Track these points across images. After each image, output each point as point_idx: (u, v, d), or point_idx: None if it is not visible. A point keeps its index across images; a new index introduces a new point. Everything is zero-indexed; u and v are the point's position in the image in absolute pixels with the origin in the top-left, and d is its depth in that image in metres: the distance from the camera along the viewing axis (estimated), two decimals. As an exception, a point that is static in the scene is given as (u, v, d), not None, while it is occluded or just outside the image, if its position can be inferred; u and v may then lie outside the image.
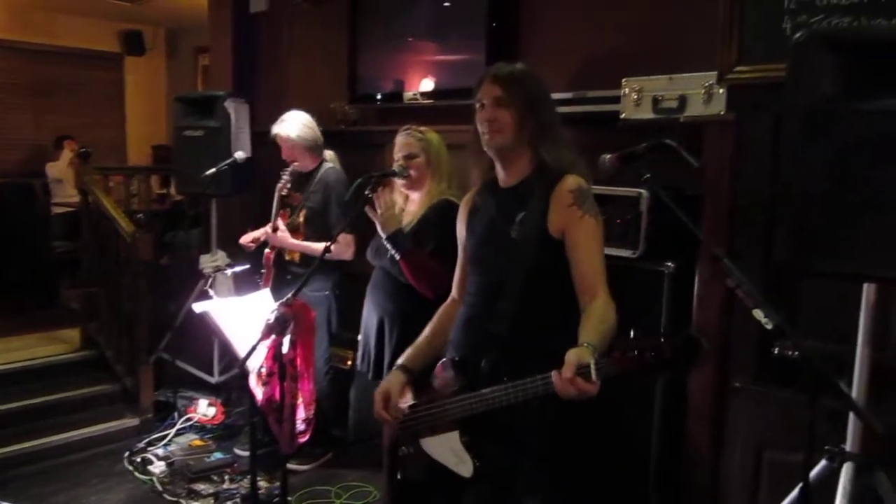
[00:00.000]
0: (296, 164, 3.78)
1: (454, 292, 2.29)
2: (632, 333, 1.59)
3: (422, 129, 2.98)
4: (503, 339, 1.94)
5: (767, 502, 2.29)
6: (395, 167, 2.90)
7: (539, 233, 1.95)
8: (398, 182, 2.89)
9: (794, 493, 1.98)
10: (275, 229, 3.68)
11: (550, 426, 1.95)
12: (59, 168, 6.89)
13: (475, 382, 1.91)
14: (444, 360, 2.08)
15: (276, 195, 3.77)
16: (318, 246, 3.64)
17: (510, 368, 1.84)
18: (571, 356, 1.65)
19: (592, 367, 1.60)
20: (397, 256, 2.72)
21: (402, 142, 2.96)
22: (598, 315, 1.83)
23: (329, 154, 3.91)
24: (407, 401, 2.10)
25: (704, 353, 1.53)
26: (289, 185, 3.74)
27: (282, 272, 3.81)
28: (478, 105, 2.04)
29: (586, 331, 1.78)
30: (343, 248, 3.62)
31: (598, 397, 1.63)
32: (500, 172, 2.09)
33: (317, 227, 3.71)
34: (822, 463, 1.96)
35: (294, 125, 3.76)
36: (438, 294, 2.48)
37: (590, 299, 1.89)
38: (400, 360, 2.19)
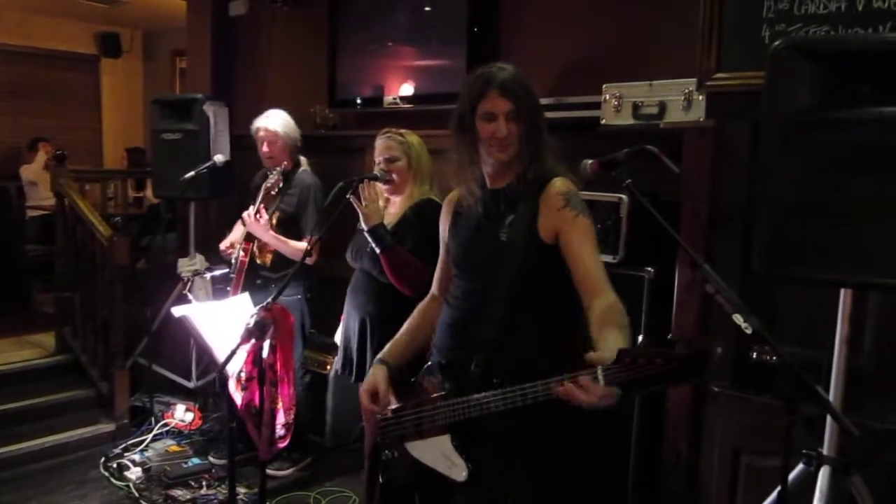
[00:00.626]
0: (273, 160, 3.75)
1: (434, 289, 2.28)
2: (640, 340, 1.57)
3: (402, 131, 2.98)
4: (493, 342, 1.92)
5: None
6: (376, 171, 2.90)
7: (529, 236, 1.93)
8: (380, 186, 2.89)
9: (773, 496, 2.00)
10: (257, 212, 3.61)
11: (539, 431, 1.92)
12: (34, 170, 6.80)
13: (464, 386, 1.89)
14: (429, 363, 2.07)
15: (263, 189, 3.65)
16: (293, 242, 3.64)
17: (500, 372, 1.82)
18: (591, 357, 1.59)
19: (600, 372, 1.54)
20: (378, 250, 2.72)
21: (383, 145, 2.96)
22: (616, 322, 1.75)
23: (303, 160, 3.90)
24: (391, 403, 2.08)
25: (714, 362, 1.50)
26: (280, 184, 3.66)
27: (251, 276, 3.78)
28: (482, 116, 1.95)
29: (607, 340, 1.68)
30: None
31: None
32: (487, 176, 2.07)
33: (288, 229, 3.68)
34: (800, 467, 1.98)
35: (279, 120, 3.77)
36: (418, 292, 2.47)
37: (595, 299, 1.82)
38: (380, 356, 2.18)
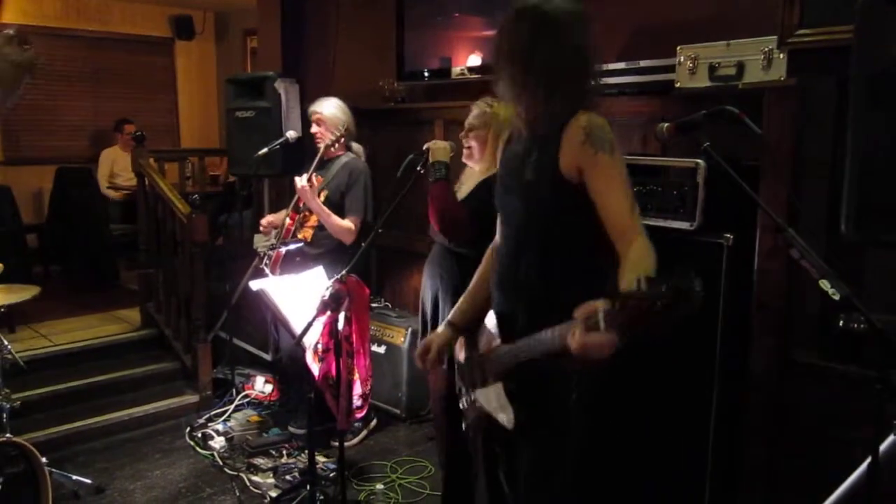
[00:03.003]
0: (321, 140, 3.82)
1: (497, 238, 2.17)
2: (639, 282, 1.40)
3: (493, 102, 2.90)
4: (531, 288, 1.89)
5: (832, 480, 2.23)
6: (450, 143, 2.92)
7: (551, 174, 1.82)
8: (450, 151, 2.89)
9: (862, 468, 1.93)
10: (310, 181, 3.69)
11: (583, 385, 1.86)
12: (116, 153, 7.04)
13: (514, 335, 1.87)
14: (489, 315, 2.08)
15: (318, 156, 3.78)
16: (336, 218, 3.70)
17: (544, 319, 1.73)
18: (581, 308, 1.51)
19: (600, 316, 1.44)
20: (431, 180, 2.76)
21: (471, 113, 2.93)
22: (630, 264, 1.66)
23: (356, 146, 3.93)
24: (461, 354, 2.13)
25: (699, 297, 1.32)
26: (335, 147, 3.77)
27: (291, 252, 3.86)
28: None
29: (622, 275, 1.64)
30: (351, 232, 3.68)
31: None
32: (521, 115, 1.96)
33: (334, 209, 3.73)
34: (891, 438, 1.91)
35: (328, 104, 3.84)
36: (449, 237, 2.64)
37: (625, 245, 1.71)
38: (449, 317, 2.19)
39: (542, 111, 1.88)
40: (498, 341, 1.96)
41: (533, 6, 1.87)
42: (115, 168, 6.96)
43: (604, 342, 1.47)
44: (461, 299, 2.21)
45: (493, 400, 1.96)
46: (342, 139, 3.78)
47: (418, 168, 2.69)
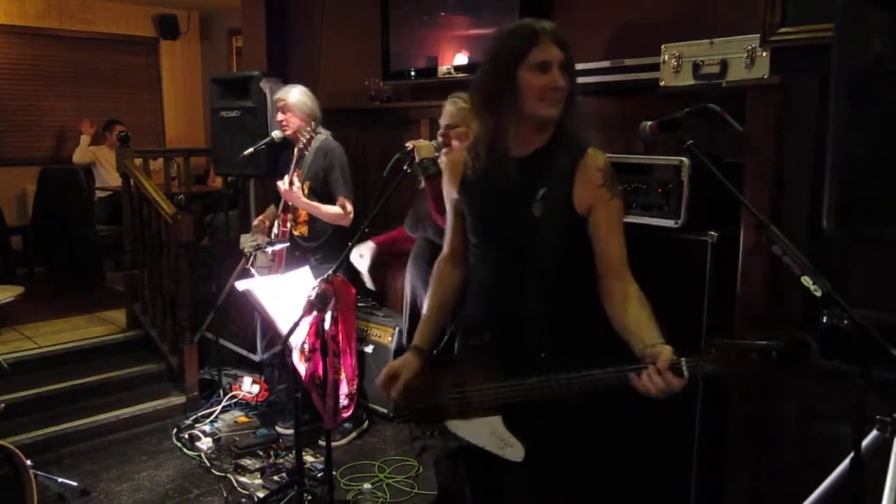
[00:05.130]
0: (287, 127, 3.89)
1: (448, 251, 2.13)
2: (728, 336, 1.56)
3: (466, 98, 2.92)
4: (543, 320, 1.87)
5: (816, 474, 2.25)
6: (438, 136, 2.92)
7: (565, 211, 1.83)
8: (434, 148, 2.88)
9: (845, 463, 1.94)
10: (291, 183, 3.72)
11: (584, 407, 1.90)
12: (103, 152, 7.00)
13: (512, 366, 1.83)
14: (466, 341, 2.03)
15: (296, 152, 3.87)
16: (328, 208, 3.72)
17: (547, 348, 1.81)
18: (664, 352, 1.62)
19: (684, 364, 1.58)
20: (423, 180, 2.75)
21: (446, 111, 2.94)
22: (646, 310, 1.77)
23: (324, 131, 3.97)
24: (404, 392, 2.02)
25: (815, 355, 1.47)
26: (307, 150, 3.82)
27: (290, 248, 3.87)
28: (534, 66, 1.79)
29: (647, 329, 1.71)
30: (344, 214, 3.71)
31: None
32: (512, 139, 1.89)
33: (319, 194, 3.78)
34: (874, 433, 1.92)
35: (293, 91, 3.89)
36: None
37: (618, 283, 1.82)
38: (415, 341, 2.08)
39: (555, 141, 1.87)
40: (490, 371, 1.89)
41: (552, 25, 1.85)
42: (99, 163, 6.92)
43: (678, 386, 1.61)
44: (423, 322, 2.12)
45: (485, 434, 1.90)
46: (312, 131, 3.84)
47: (405, 167, 2.69)
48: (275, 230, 3.94)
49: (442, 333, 2.11)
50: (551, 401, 1.78)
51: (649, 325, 1.73)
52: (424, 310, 2.16)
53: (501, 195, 1.90)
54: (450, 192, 2.07)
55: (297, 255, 3.82)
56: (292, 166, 3.79)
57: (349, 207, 3.73)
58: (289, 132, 3.90)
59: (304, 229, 3.84)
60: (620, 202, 1.87)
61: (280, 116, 3.90)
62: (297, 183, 3.73)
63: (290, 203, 3.80)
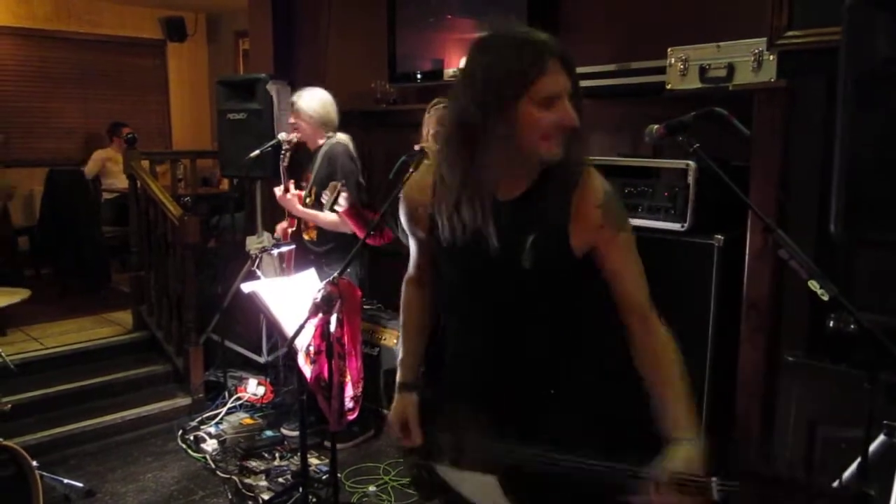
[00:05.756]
0: (299, 136, 3.86)
1: (415, 275, 1.90)
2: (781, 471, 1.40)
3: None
4: (546, 361, 1.68)
5: (824, 479, 2.24)
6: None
7: (561, 257, 1.58)
8: None
9: (852, 468, 1.93)
10: (286, 189, 3.73)
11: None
12: (109, 154, 7.02)
13: (518, 411, 1.66)
14: (452, 387, 1.84)
15: (281, 166, 3.89)
16: (324, 215, 3.64)
17: (559, 390, 1.67)
18: (678, 463, 1.42)
19: (714, 487, 1.37)
20: None
21: (438, 116, 2.94)
22: (676, 373, 1.55)
23: (342, 136, 3.89)
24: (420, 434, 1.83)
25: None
26: (288, 156, 3.84)
27: (301, 252, 3.87)
28: (540, 100, 1.46)
29: (674, 407, 1.52)
30: (342, 222, 3.61)
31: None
32: (498, 182, 1.58)
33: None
34: (881, 438, 1.91)
35: (307, 99, 3.80)
36: None
37: (642, 324, 1.59)
38: (402, 380, 1.88)
39: (547, 180, 1.57)
40: (480, 426, 1.69)
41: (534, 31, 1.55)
42: (107, 169, 6.94)
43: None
44: (404, 356, 1.92)
45: (477, 490, 1.72)
46: (325, 136, 3.80)
47: (411, 169, 2.68)
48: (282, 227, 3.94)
49: (421, 357, 1.94)
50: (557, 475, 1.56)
51: (675, 405, 1.54)
52: (404, 339, 1.96)
53: (483, 248, 1.57)
54: (413, 231, 1.79)
55: (310, 258, 3.81)
56: (283, 174, 3.79)
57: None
58: (301, 138, 3.86)
59: (313, 234, 3.83)
60: (629, 234, 1.61)
61: (291, 120, 3.86)
62: (292, 189, 3.72)
63: (286, 210, 3.80)
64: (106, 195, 6.88)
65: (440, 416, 1.78)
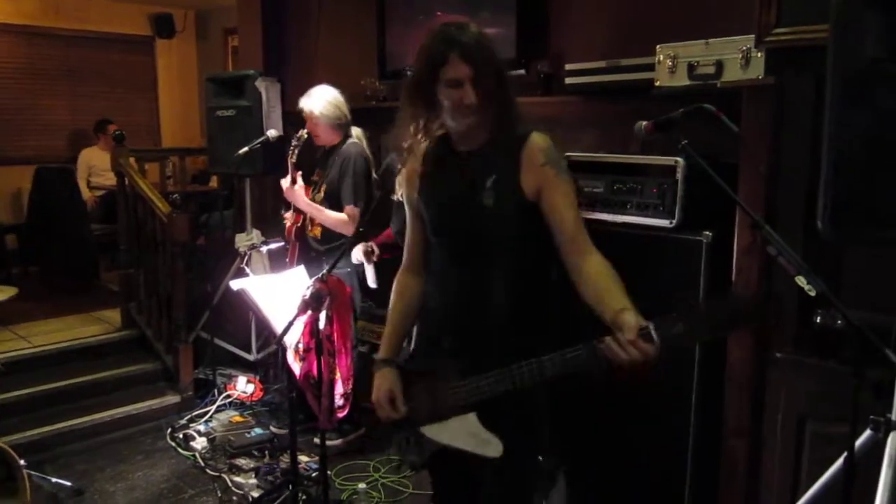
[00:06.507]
0: (317, 139, 3.80)
1: (409, 262, 2.14)
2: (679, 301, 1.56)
3: None
4: (508, 308, 1.88)
5: (810, 473, 2.26)
6: None
7: (515, 197, 1.85)
8: None
9: (838, 463, 1.95)
10: (293, 182, 3.70)
11: (556, 398, 1.92)
12: (96, 153, 6.98)
13: (481, 362, 1.83)
14: (430, 345, 2.02)
15: (289, 158, 3.80)
16: (329, 212, 3.66)
17: (514, 341, 1.81)
18: (629, 319, 1.60)
19: (652, 328, 1.56)
20: None
21: None
22: (611, 276, 1.76)
23: (356, 131, 3.87)
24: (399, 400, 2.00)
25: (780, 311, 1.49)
26: (296, 152, 3.75)
27: (305, 249, 3.85)
28: (446, 83, 1.83)
29: (613, 294, 1.70)
30: (348, 222, 3.63)
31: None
32: (454, 136, 1.94)
33: (335, 203, 3.72)
34: (867, 433, 1.92)
35: (318, 101, 3.73)
36: None
37: (580, 256, 1.81)
38: (381, 356, 2.08)
39: (498, 134, 1.89)
40: (456, 370, 1.89)
41: (483, 33, 1.89)
42: (94, 168, 6.91)
43: (652, 353, 1.58)
44: (392, 331, 2.11)
45: (463, 435, 1.87)
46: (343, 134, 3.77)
47: (398, 166, 2.68)
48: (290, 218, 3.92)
49: (404, 338, 2.12)
50: (525, 394, 1.78)
51: (612, 290, 1.72)
52: (389, 320, 2.13)
53: (454, 190, 1.93)
54: (410, 198, 2.07)
55: (312, 255, 3.79)
56: (290, 168, 3.74)
57: (352, 216, 3.63)
58: (321, 143, 3.81)
59: (317, 231, 3.79)
60: (568, 180, 1.88)
61: (309, 126, 3.77)
62: (299, 182, 3.70)
63: (291, 202, 3.78)
64: (94, 192, 6.84)
65: (418, 379, 1.97)
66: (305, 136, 3.77)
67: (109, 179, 6.17)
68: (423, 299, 2.09)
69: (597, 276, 1.77)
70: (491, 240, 1.88)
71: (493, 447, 1.84)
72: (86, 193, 6.76)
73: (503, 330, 1.87)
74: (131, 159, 4.96)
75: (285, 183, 3.73)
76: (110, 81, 7.93)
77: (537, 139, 1.88)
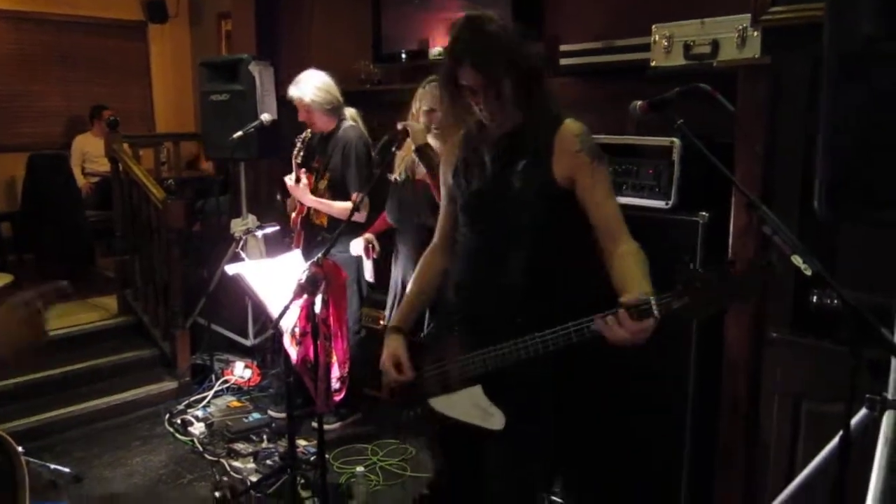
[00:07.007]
0: (313, 126, 3.77)
1: (438, 239, 2.20)
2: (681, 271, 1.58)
3: None
4: (520, 290, 1.91)
5: (806, 453, 2.27)
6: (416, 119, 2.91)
7: (544, 181, 1.88)
8: (427, 133, 2.88)
9: (834, 442, 1.95)
10: (297, 179, 3.67)
11: (561, 374, 1.93)
12: (90, 140, 6.94)
13: (490, 337, 1.86)
14: (444, 317, 2.07)
15: (293, 157, 3.80)
16: (337, 204, 3.65)
17: (527, 320, 1.82)
18: (628, 300, 1.64)
19: (654, 302, 1.59)
20: (424, 169, 2.78)
21: (427, 94, 2.94)
22: (639, 261, 1.80)
23: (350, 112, 3.84)
24: (412, 371, 2.06)
25: (777, 278, 1.51)
26: (302, 153, 3.74)
27: (311, 236, 3.82)
28: (464, 87, 1.88)
29: (634, 277, 1.74)
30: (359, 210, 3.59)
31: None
32: (489, 122, 1.97)
33: (339, 190, 3.69)
34: (863, 412, 1.93)
35: (308, 87, 3.67)
36: None
37: (614, 244, 1.85)
38: (393, 322, 2.15)
39: (531, 119, 1.91)
40: (467, 343, 1.94)
41: (490, 27, 1.88)
42: (88, 155, 6.87)
43: (649, 328, 1.62)
44: (405, 304, 2.19)
45: (468, 407, 1.92)
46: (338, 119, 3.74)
47: (393, 149, 2.68)
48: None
49: (419, 317, 2.17)
50: (530, 367, 1.82)
51: (633, 275, 1.75)
52: (408, 292, 2.20)
53: (485, 171, 1.96)
54: (445, 177, 2.11)
55: (319, 241, 3.74)
56: (294, 165, 3.72)
57: (365, 202, 3.56)
58: (317, 129, 3.78)
59: (323, 219, 3.76)
60: (604, 167, 1.90)
61: (300, 117, 3.75)
62: (303, 179, 3.67)
63: (298, 199, 3.75)
64: (89, 179, 6.81)
65: (428, 351, 2.04)
66: (309, 135, 3.74)
67: (104, 166, 6.13)
68: (443, 277, 2.14)
69: (624, 261, 1.81)
70: (515, 221, 1.91)
71: (495, 419, 1.88)
72: (80, 180, 6.74)
73: (515, 310, 1.89)
74: (125, 145, 4.92)
75: (290, 181, 3.71)
76: (103, 67, 7.86)
77: (572, 126, 1.90)
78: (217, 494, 2.99)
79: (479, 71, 1.83)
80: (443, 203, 2.17)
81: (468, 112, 1.94)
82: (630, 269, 1.78)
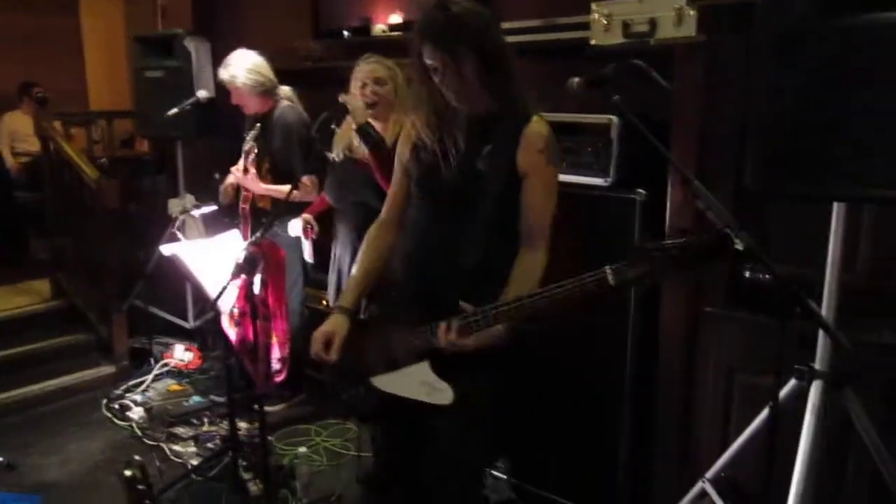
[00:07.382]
0: (246, 108, 3.70)
1: (386, 213, 2.19)
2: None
3: (386, 61, 2.93)
4: (473, 270, 1.93)
5: (739, 423, 2.33)
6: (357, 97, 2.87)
7: (508, 169, 1.92)
8: (368, 111, 2.84)
9: (765, 412, 2.01)
10: (245, 170, 3.60)
11: (511, 349, 1.94)
12: (19, 118, 6.69)
13: (442, 313, 1.85)
14: (391, 295, 2.07)
15: (243, 151, 3.68)
16: (286, 188, 3.57)
17: (479, 300, 1.82)
18: (469, 308, 1.79)
19: (608, 271, 1.62)
20: (366, 149, 2.73)
21: (369, 69, 2.91)
22: (530, 277, 1.88)
23: (285, 91, 3.76)
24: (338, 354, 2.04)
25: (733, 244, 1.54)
26: (255, 151, 3.63)
27: (257, 221, 3.75)
28: (429, 67, 1.91)
29: (512, 289, 1.85)
30: (309, 189, 3.55)
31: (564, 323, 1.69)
32: (456, 103, 1.98)
33: (282, 172, 3.62)
34: (792, 382, 1.99)
35: (238, 69, 3.58)
36: None
37: (529, 248, 1.94)
38: (340, 302, 2.12)
39: (502, 106, 1.94)
40: (413, 318, 1.94)
41: (456, 6, 1.89)
42: (17, 134, 6.62)
43: (463, 344, 1.78)
44: (350, 283, 2.17)
45: (414, 385, 1.92)
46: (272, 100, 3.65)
47: (332, 125, 2.65)
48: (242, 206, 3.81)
49: (365, 297, 2.13)
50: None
51: (516, 285, 1.86)
52: (353, 271, 2.17)
53: (450, 148, 1.98)
54: (402, 154, 2.12)
55: (264, 222, 3.68)
56: (243, 155, 3.63)
57: (312, 183, 3.55)
58: (250, 112, 3.69)
59: (266, 202, 3.69)
60: (555, 171, 1.98)
61: (234, 98, 3.65)
62: (251, 170, 3.59)
63: (250, 190, 3.67)
64: (19, 159, 6.57)
65: (374, 328, 2.04)
66: (259, 127, 3.64)
67: (34, 145, 5.91)
68: (392, 253, 2.13)
69: (523, 267, 1.92)
70: (475, 201, 1.94)
71: (444, 394, 1.88)
72: (9, 160, 6.49)
73: (469, 288, 1.90)
74: (56, 123, 4.77)
75: (238, 172, 3.62)
76: (33, 42, 7.57)
77: (540, 125, 1.96)
78: (127, 473, 2.82)
79: (439, 50, 1.86)
80: (395, 177, 2.16)
81: (436, 92, 1.96)
82: (519, 277, 1.89)
